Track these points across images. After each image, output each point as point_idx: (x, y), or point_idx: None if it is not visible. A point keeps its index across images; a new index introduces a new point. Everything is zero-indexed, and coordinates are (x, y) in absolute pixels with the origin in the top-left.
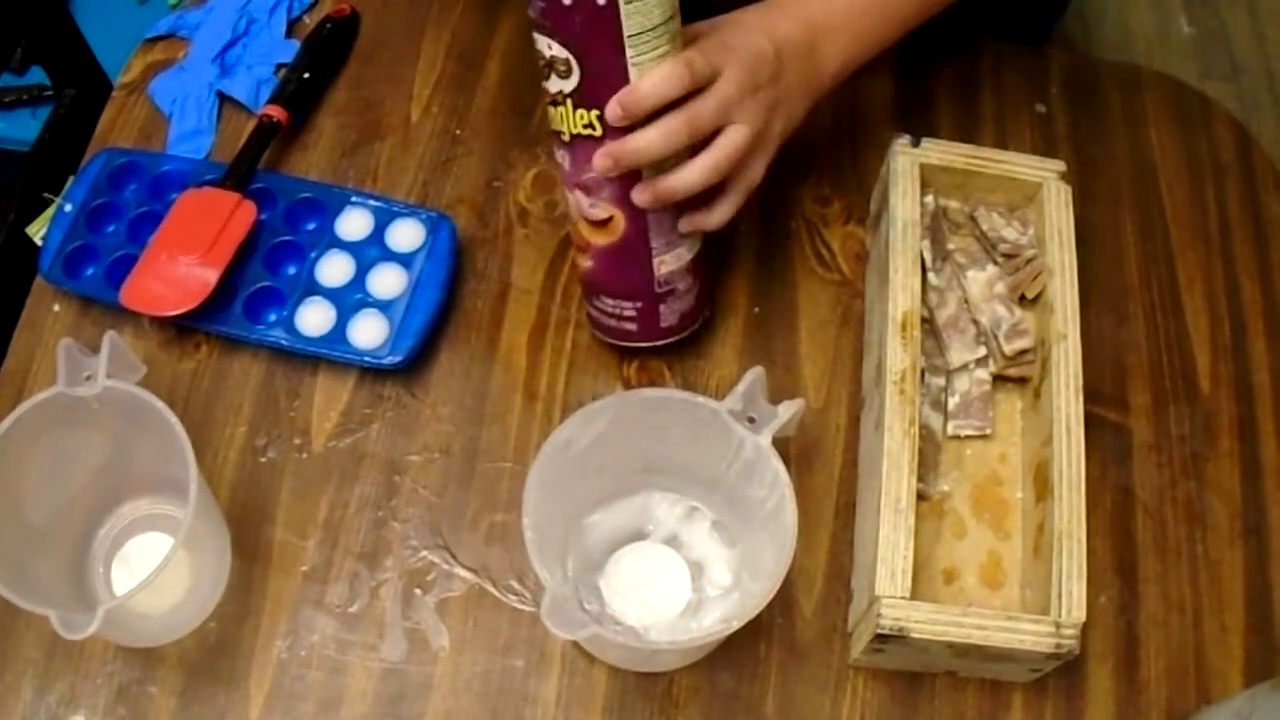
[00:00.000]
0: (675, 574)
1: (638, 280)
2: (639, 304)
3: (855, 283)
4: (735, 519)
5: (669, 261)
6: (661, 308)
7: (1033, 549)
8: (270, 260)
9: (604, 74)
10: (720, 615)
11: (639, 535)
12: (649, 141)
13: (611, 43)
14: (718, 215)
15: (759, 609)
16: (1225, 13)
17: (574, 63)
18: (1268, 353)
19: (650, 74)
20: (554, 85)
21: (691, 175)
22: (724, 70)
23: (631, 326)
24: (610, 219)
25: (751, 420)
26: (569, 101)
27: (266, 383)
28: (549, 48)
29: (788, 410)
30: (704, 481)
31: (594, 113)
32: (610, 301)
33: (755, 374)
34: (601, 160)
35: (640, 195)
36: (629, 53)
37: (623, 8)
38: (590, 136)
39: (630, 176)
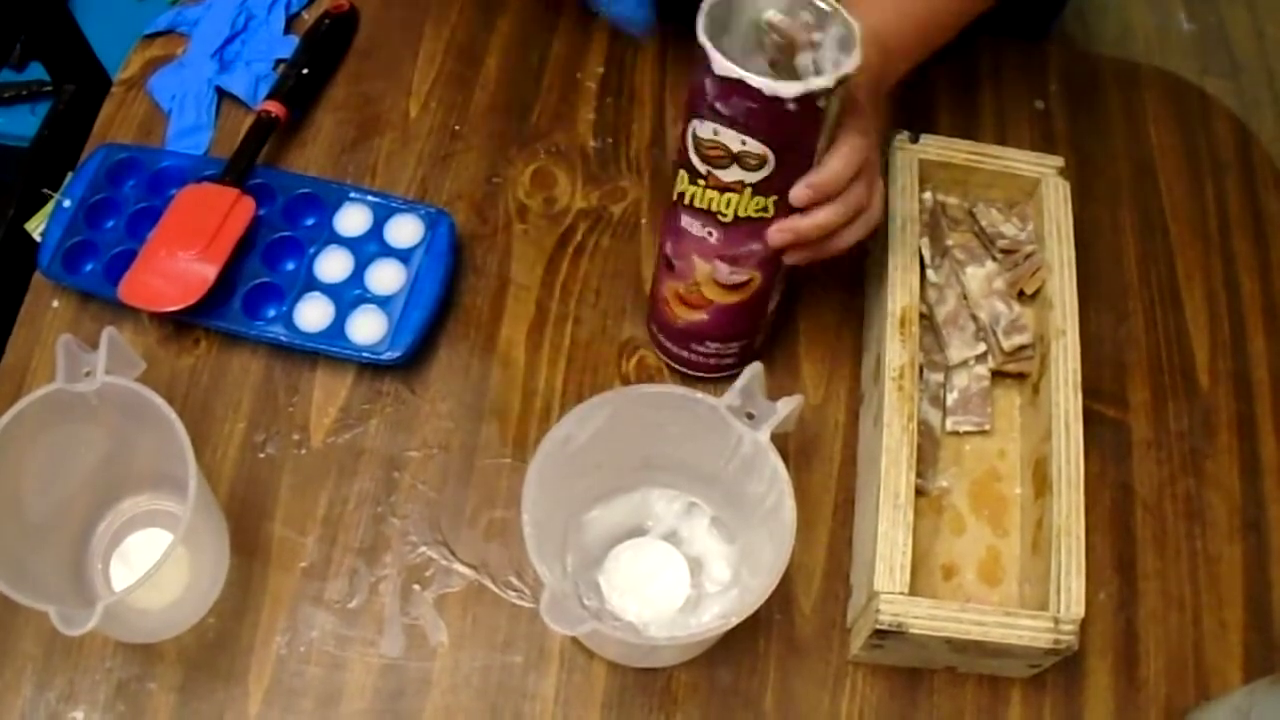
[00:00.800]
0: (674, 570)
1: (751, 325)
2: (744, 342)
3: (854, 279)
4: (734, 515)
5: (775, 298)
6: (759, 337)
7: (1031, 545)
8: (269, 256)
9: (798, 166)
10: (719, 611)
11: (638, 531)
12: (827, 219)
13: (815, 138)
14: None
15: (758, 605)
16: (1225, 9)
17: (771, 158)
18: (1267, 349)
19: (833, 160)
20: (731, 175)
21: (836, 216)
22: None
23: (731, 361)
24: (748, 281)
25: (750, 416)
26: (747, 190)
27: (265, 378)
28: (741, 143)
29: (786, 406)
30: (703, 478)
31: (772, 198)
32: (714, 345)
33: (754, 370)
34: (780, 236)
35: (776, 236)
36: (821, 143)
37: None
38: (761, 218)
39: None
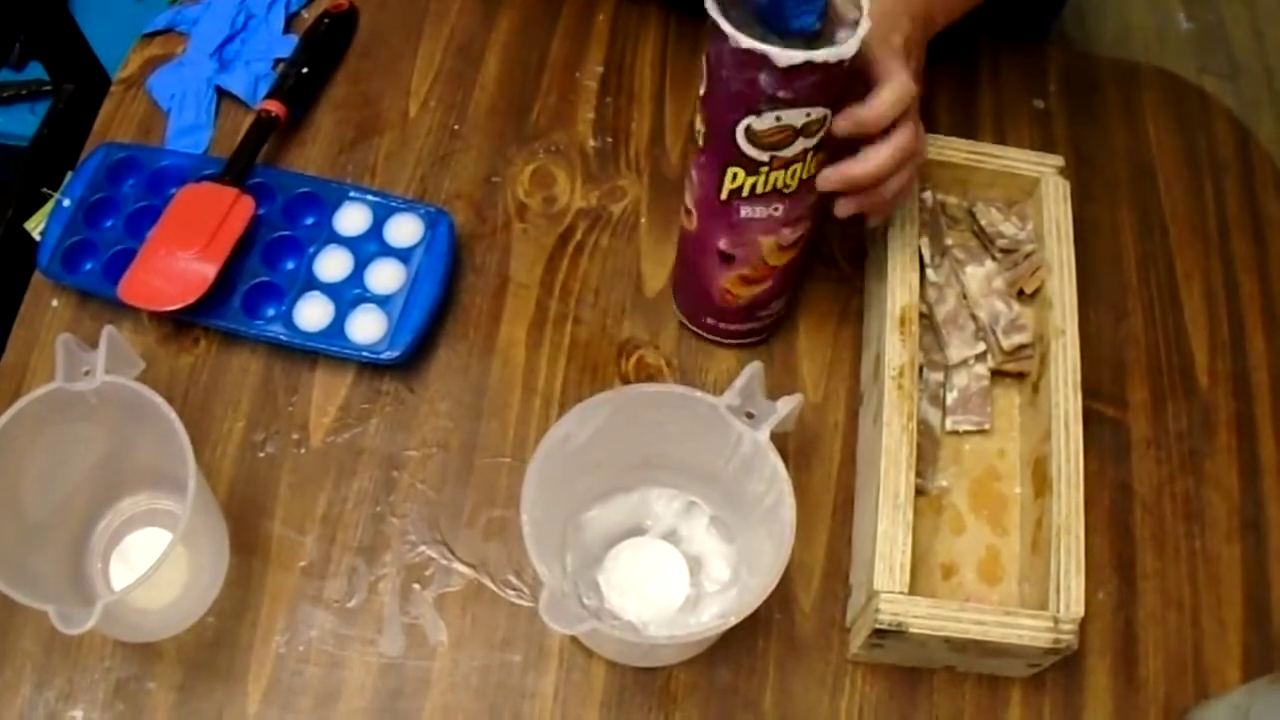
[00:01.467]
0: (673, 569)
1: (801, 268)
2: (794, 288)
3: (854, 279)
4: (734, 514)
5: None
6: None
7: (1031, 544)
8: (268, 255)
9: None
10: (718, 610)
11: (637, 530)
12: (879, 162)
13: (853, 97)
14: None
15: (757, 604)
16: (1224, 9)
17: (829, 115)
18: (1266, 349)
19: (879, 98)
20: (795, 149)
21: (885, 159)
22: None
23: (781, 310)
24: (800, 237)
25: (750, 416)
26: (809, 155)
27: (265, 378)
28: (806, 115)
29: (786, 405)
30: (703, 477)
31: (823, 152)
32: (776, 305)
33: (754, 369)
34: (831, 181)
35: (826, 175)
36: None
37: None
38: (814, 174)
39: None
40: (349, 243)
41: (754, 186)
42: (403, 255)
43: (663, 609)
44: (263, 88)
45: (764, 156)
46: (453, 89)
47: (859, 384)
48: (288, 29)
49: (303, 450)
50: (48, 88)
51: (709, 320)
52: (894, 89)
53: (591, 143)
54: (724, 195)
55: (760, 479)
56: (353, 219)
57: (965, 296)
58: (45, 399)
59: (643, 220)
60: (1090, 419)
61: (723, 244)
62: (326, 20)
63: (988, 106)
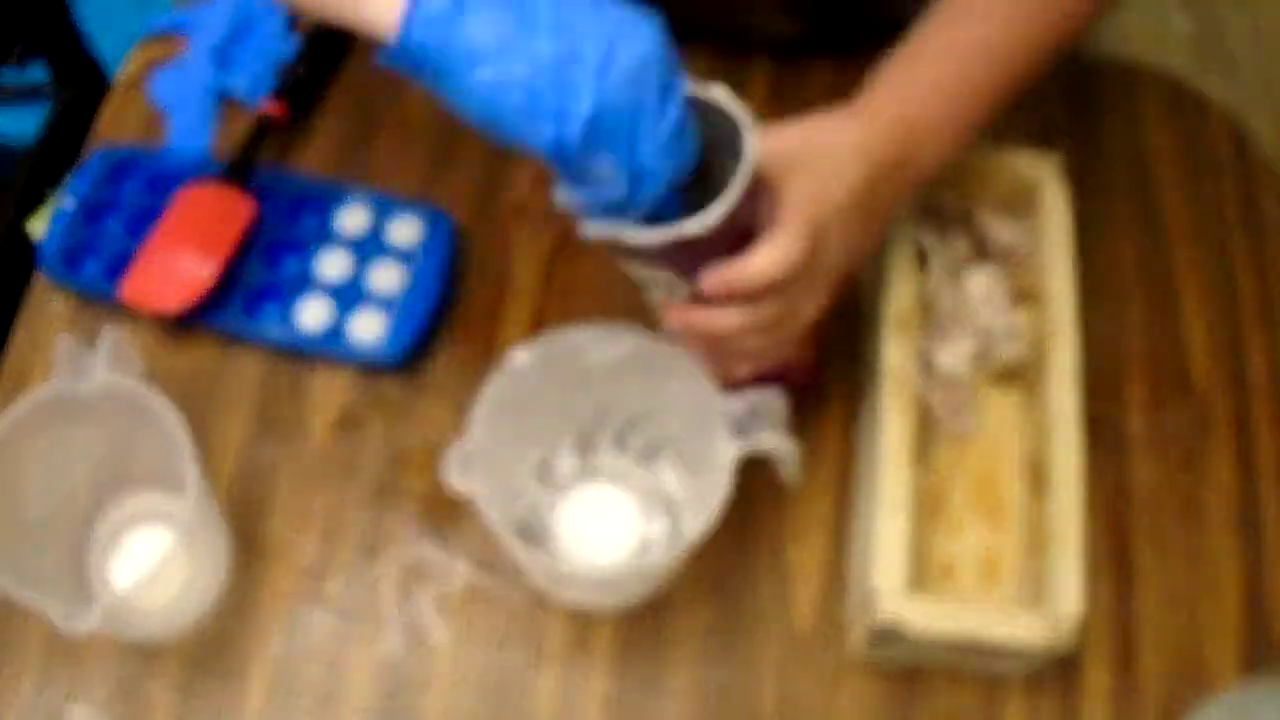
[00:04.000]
0: (628, 514)
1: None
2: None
3: (852, 279)
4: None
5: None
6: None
7: (1029, 544)
8: (269, 256)
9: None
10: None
11: (596, 474)
12: (729, 326)
13: (724, 253)
14: (745, 370)
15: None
16: (1222, 11)
17: (681, 279)
18: (1263, 348)
19: (754, 260)
20: (657, 295)
21: (754, 342)
22: (823, 241)
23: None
24: None
25: (741, 433)
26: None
27: (265, 378)
28: (649, 269)
29: (771, 441)
30: (691, 462)
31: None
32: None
33: (770, 397)
34: (675, 320)
35: (673, 317)
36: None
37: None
38: None
39: None
40: (349, 243)
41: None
42: (403, 256)
43: (618, 548)
44: (264, 88)
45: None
46: None
47: (858, 383)
48: (289, 30)
49: (303, 450)
50: (49, 89)
51: None
52: (769, 257)
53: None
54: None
55: (711, 483)
56: (353, 219)
57: (964, 301)
58: (46, 400)
59: None
60: (1088, 418)
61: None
62: None
63: None
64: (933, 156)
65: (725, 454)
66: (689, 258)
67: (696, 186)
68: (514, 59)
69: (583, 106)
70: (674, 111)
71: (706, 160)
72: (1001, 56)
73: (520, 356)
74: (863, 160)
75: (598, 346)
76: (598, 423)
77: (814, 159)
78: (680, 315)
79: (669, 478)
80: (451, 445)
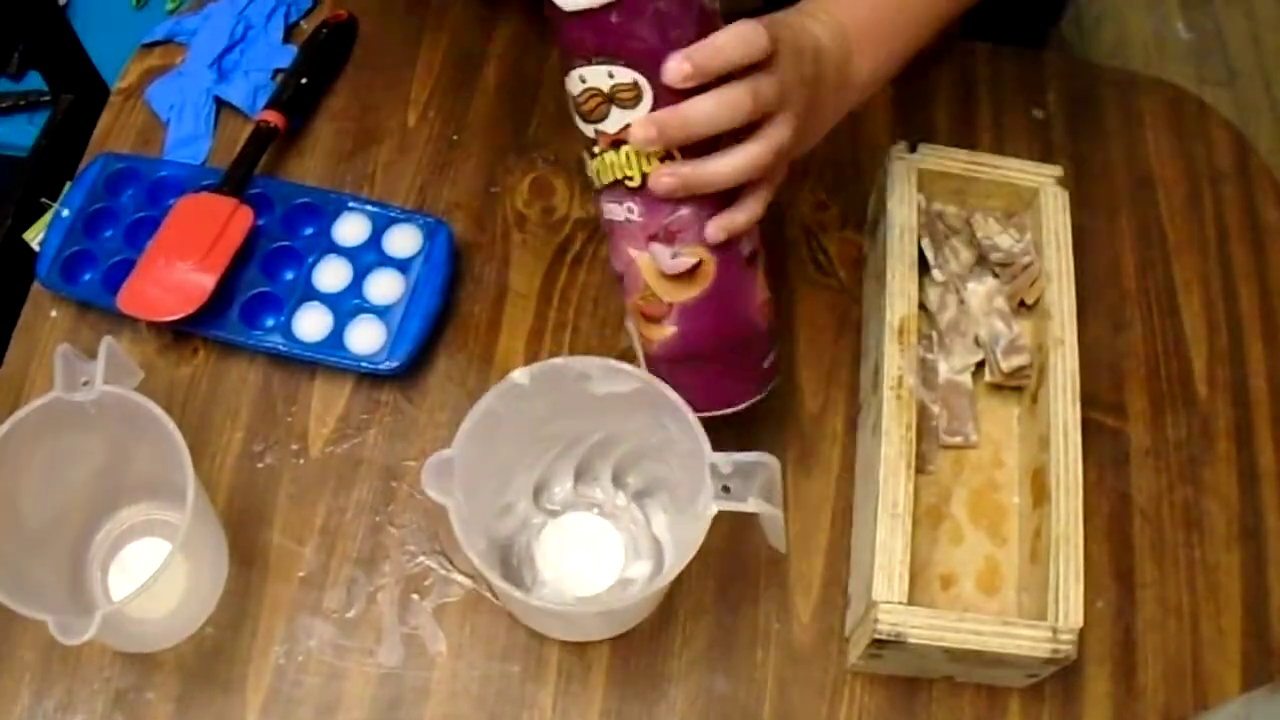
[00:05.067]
0: (610, 548)
1: (736, 325)
2: (743, 357)
3: (853, 288)
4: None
5: (757, 297)
6: (764, 351)
7: (1030, 554)
8: (267, 265)
9: (678, 91)
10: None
11: (577, 505)
12: (705, 111)
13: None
14: (746, 214)
15: (649, 592)
16: (1222, 18)
17: (645, 85)
18: (1264, 357)
19: (706, 98)
20: (615, 122)
21: (734, 163)
22: (778, 57)
23: (737, 383)
24: (698, 264)
25: (726, 490)
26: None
27: (264, 388)
28: (609, 76)
29: (756, 506)
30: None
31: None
32: (707, 367)
33: (764, 460)
34: (643, 129)
35: (664, 180)
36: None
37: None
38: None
39: (707, 204)
40: (348, 253)
41: (599, 172)
42: (402, 265)
43: (596, 584)
44: (262, 98)
45: (590, 131)
46: (452, 99)
47: (858, 394)
48: (287, 39)
49: (301, 460)
50: (46, 98)
51: (646, 359)
52: (735, 29)
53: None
54: (593, 191)
55: (691, 540)
56: (351, 229)
57: (966, 311)
58: (44, 409)
59: None
60: (1089, 428)
61: (612, 260)
62: (325, 30)
63: (986, 116)
64: (866, 67)
65: (706, 511)
66: (650, 41)
67: None
68: None
69: None
70: None
71: None
72: None
73: (517, 376)
74: (805, 32)
75: (603, 378)
76: (599, 453)
77: (778, 26)
78: (650, 119)
79: (660, 519)
80: (440, 525)
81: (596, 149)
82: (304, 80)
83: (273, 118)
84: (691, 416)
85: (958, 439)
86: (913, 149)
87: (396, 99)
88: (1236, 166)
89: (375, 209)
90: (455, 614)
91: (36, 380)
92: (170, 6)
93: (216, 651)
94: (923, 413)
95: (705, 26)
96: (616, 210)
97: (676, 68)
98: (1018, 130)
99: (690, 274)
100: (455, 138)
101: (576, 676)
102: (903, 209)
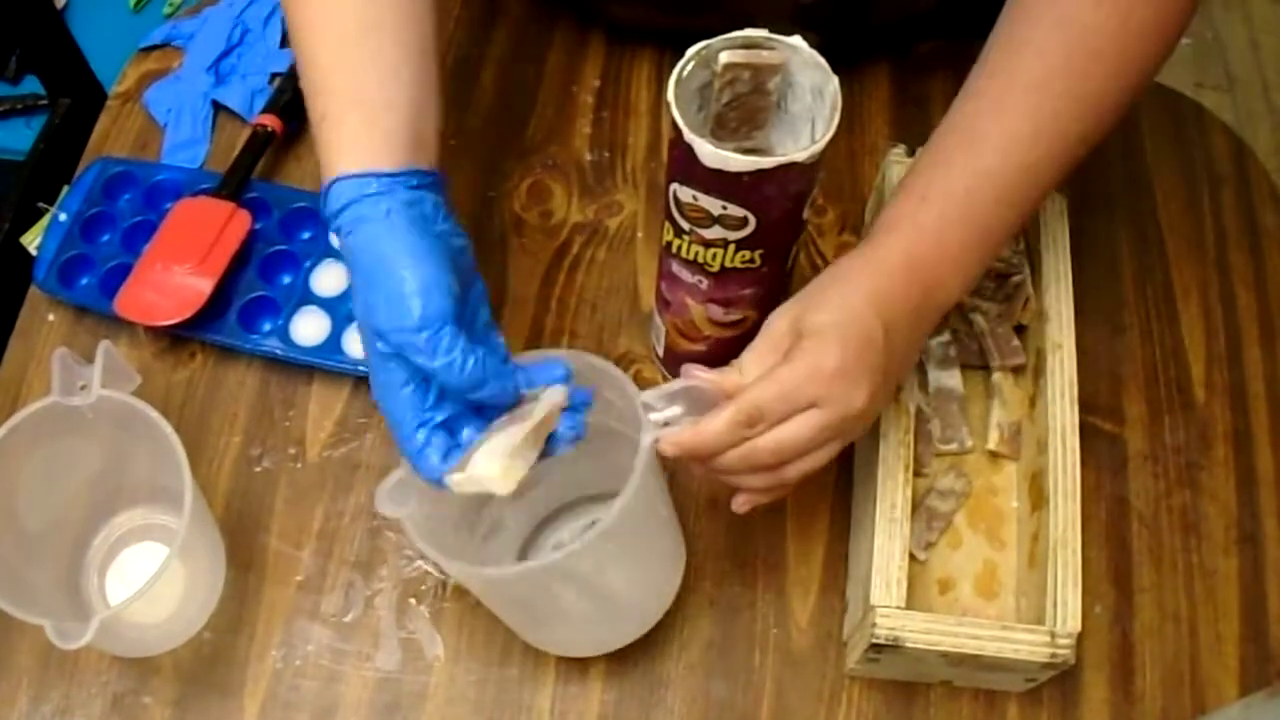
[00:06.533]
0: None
1: None
2: None
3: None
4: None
5: None
6: None
7: (1028, 559)
8: (265, 269)
9: (783, 223)
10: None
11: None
12: (727, 464)
13: (798, 196)
14: (774, 496)
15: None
16: (1220, 23)
17: (752, 220)
18: (1263, 362)
19: (713, 423)
20: (714, 233)
21: (751, 483)
22: (822, 399)
23: None
24: (743, 319)
25: (666, 425)
26: (730, 245)
27: (261, 392)
28: (722, 208)
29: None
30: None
31: (759, 251)
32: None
33: (688, 384)
34: (669, 448)
35: (666, 447)
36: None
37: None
38: (749, 269)
39: (769, 286)
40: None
41: (680, 248)
42: None
43: None
44: (259, 102)
45: (686, 226)
46: (449, 104)
47: None
48: (284, 43)
49: (299, 465)
50: (44, 102)
51: (656, 348)
52: (716, 427)
53: (588, 157)
54: (663, 241)
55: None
56: None
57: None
58: (41, 413)
59: (639, 234)
60: (1087, 433)
61: (663, 286)
62: None
63: None
64: (951, 292)
65: (644, 444)
66: (769, 195)
67: None
68: None
69: None
70: None
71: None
72: (1016, 188)
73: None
74: (877, 311)
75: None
76: (561, 499)
77: (826, 318)
78: (677, 443)
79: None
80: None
81: (686, 235)
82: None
83: (270, 122)
84: (619, 373)
85: (953, 446)
86: (911, 153)
87: None
88: (1235, 171)
89: None
90: (453, 618)
91: (34, 384)
92: (167, 10)
93: (214, 656)
94: (920, 417)
95: (811, 180)
96: (686, 274)
97: (667, 450)
98: None
99: (734, 324)
100: (452, 142)
101: (574, 680)
102: None
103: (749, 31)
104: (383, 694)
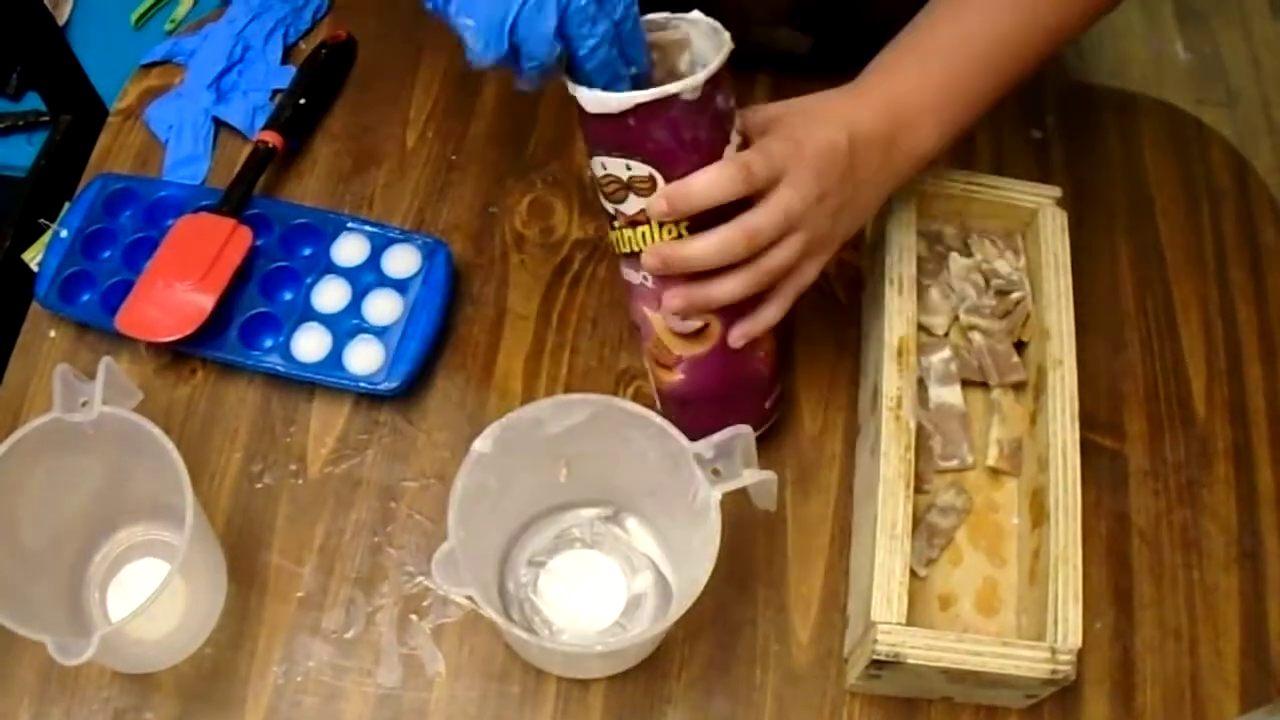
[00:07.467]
0: (608, 573)
1: (740, 375)
2: (746, 400)
3: (851, 309)
4: (678, 561)
5: (759, 355)
6: (766, 393)
7: (1029, 575)
8: (266, 286)
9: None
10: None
11: (572, 543)
12: (702, 252)
13: (697, 152)
14: (764, 320)
15: (653, 634)
16: (1221, 39)
17: (658, 178)
18: (1263, 377)
19: (703, 173)
20: (632, 206)
21: (734, 285)
22: (788, 173)
23: (740, 419)
24: (705, 327)
25: (716, 473)
26: (656, 222)
27: (262, 409)
28: (627, 168)
29: (752, 476)
30: (664, 514)
31: (683, 224)
32: (712, 407)
33: (739, 431)
34: (650, 259)
35: (649, 260)
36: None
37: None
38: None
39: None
40: (346, 273)
41: (617, 242)
42: (400, 286)
43: (597, 620)
44: (260, 118)
45: (610, 208)
46: (450, 120)
47: (856, 415)
48: (285, 60)
49: (300, 481)
50: (45, 118)
51: (656, 404)
52: (712, 173)
53: (589, 173)
54: (615, 252)
55: (702, 536)
56: (350, 250)
57: (968, 340)
58: (43, 430)
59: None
60: (1088, 449)
61: (631, 309)
62: (324, 51)
63: (985, 136)
64: (922, 141)
65: (709, 500)
66: (665, 143)
67: None
68: None
69: None
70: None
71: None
72: (993, 55)
73: (479, 445)
74: (840, 124)
75: (555, 417)
76: (570, 489)
77: (790, 118)
78: (654, 250)
79: (640, 532)
80: (437, 548)
81: (616, 224)
82: (302, 101)
83: (271, 138)
84: (658, 419)
85: (953, 462)
86: None
87: (395, 120)
88: (1235, 187)
89: (374, 229)
90: (454, 635)
91: (35, 401)
92: (169, 27)
93: (215, 672)
94: (921, 433)
95: (717, 129)
96: (633, 275)
97: (655, 207)
98: (1016, 151)
99: (697, 333)
100: (454, 158)
101: (575, 698)
102: (901, 230)
103: (649, 16)
104: (383, 710)
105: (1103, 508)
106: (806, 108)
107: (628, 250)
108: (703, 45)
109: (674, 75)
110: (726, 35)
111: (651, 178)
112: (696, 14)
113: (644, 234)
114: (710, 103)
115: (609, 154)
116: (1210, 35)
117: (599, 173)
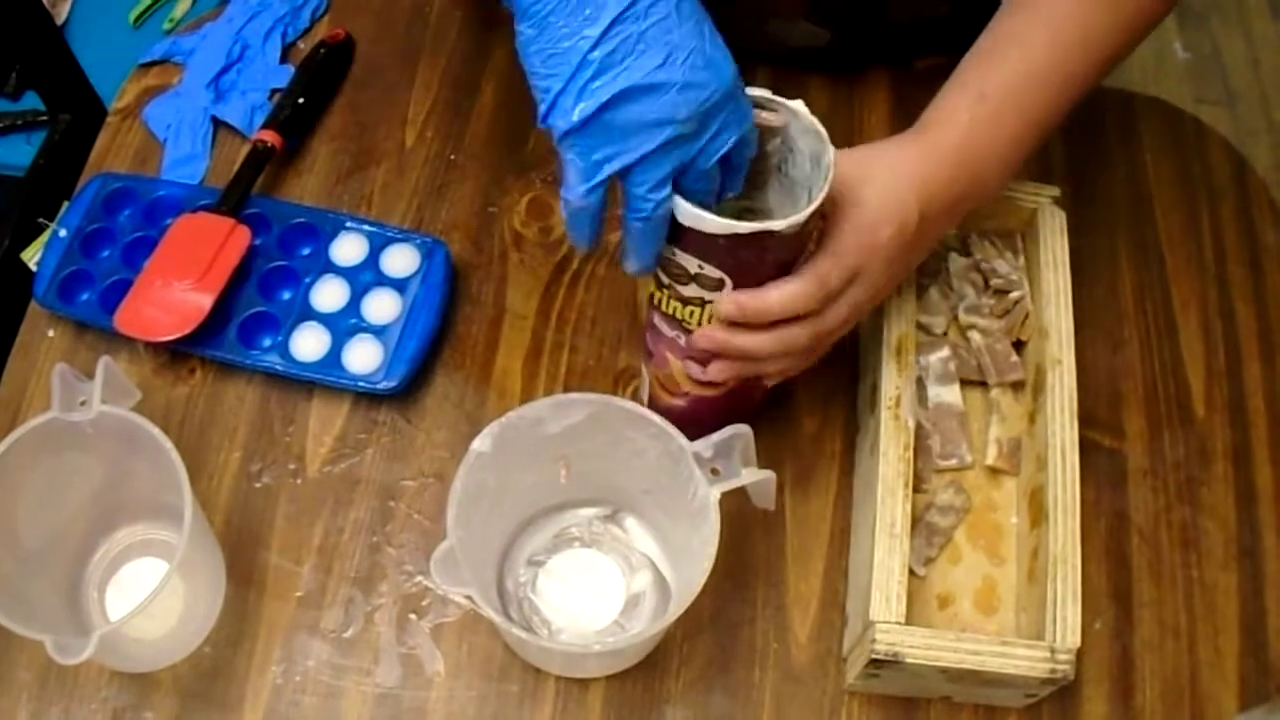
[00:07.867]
0: (607, 572)
1: (739, 412)
2: (740, 417)
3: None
4: (676, 558)
5: (761, 392)
6: (758, 405)
7: (1027, 574)
8: (265, 285)
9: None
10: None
11: (577, 541)
12: (761, 346)
13: (775, 262)
14: (793, 372)
15: (650, 634)
16: (1220, 38)
17: (729, 282)
18: (1262, 377)
19: (780, 289)
20: (691, 291)
21: (785, 366)
22: (861, 274)
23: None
24: (715, 385)
25: (715, 473)
26: (708, 305)
27: (261, 408)
28: (698, 266)
29: (751, 476)
30: (660, 512)
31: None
32: (707, 428)
33: (739, 430)
34: (704, 340)
35: (719, 374)
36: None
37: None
38: None
39: None
40: (345, 273)
41: (661, 302)
42: (399, 285)
43: (596, 619)
44: (259, 118)
45: (664, 278)
46: (449, 119)
47: (855, 414)
48: (284, 59)
49: (299, 480)
50: (44, 118)
51: (643, 400)
52: (790, 292)
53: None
54: (648, 291)
55: (700, 535)
56: (349, 249)
57: (965, 337)
58: (41, 429)
59: None
60: (1086, 448)
61: (647, 336)
62: (323, 50)
63: None
64: (992, 190)
65: (708, 499)
66: (747, 259)
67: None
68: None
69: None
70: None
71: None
72: (1063, 95)
73: (480, 444)
74: (915, 195)
75: (554, 416)
76: (568, 489)
77: (861, 190)
78: (709, 336)
79: (638, 531)
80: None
81: (664, 289)
82: (301, 100)
83: (270, 137)
84: (657, 419)
85: (952, 461)
86: None
87: (394, 119)
88: (1234, 186)
89: (373, 229)
90: (453, 634)
91: (34, 400)
92: (167, 26)
93: (214, 671)
94: (920, 432)
95: (799, 249)
96: (665, 328)
97: (725, 309)
98: None
99: (713, 384)
100: (453, 158)
101: (574, 697)
102: None
103: (752, 91)
104: (382, 709)
105: (1102, 506)
106: (877, 175)
107: (671, 313)
108: (799, 137)
109: (761, 155)
110: (831, 150)
111: (722, 281)
112: (799, 105)
113: (693, 312)
114: (801, 228)
115: (685, 250)
116: (1209, 34)
117: (666, 253)
